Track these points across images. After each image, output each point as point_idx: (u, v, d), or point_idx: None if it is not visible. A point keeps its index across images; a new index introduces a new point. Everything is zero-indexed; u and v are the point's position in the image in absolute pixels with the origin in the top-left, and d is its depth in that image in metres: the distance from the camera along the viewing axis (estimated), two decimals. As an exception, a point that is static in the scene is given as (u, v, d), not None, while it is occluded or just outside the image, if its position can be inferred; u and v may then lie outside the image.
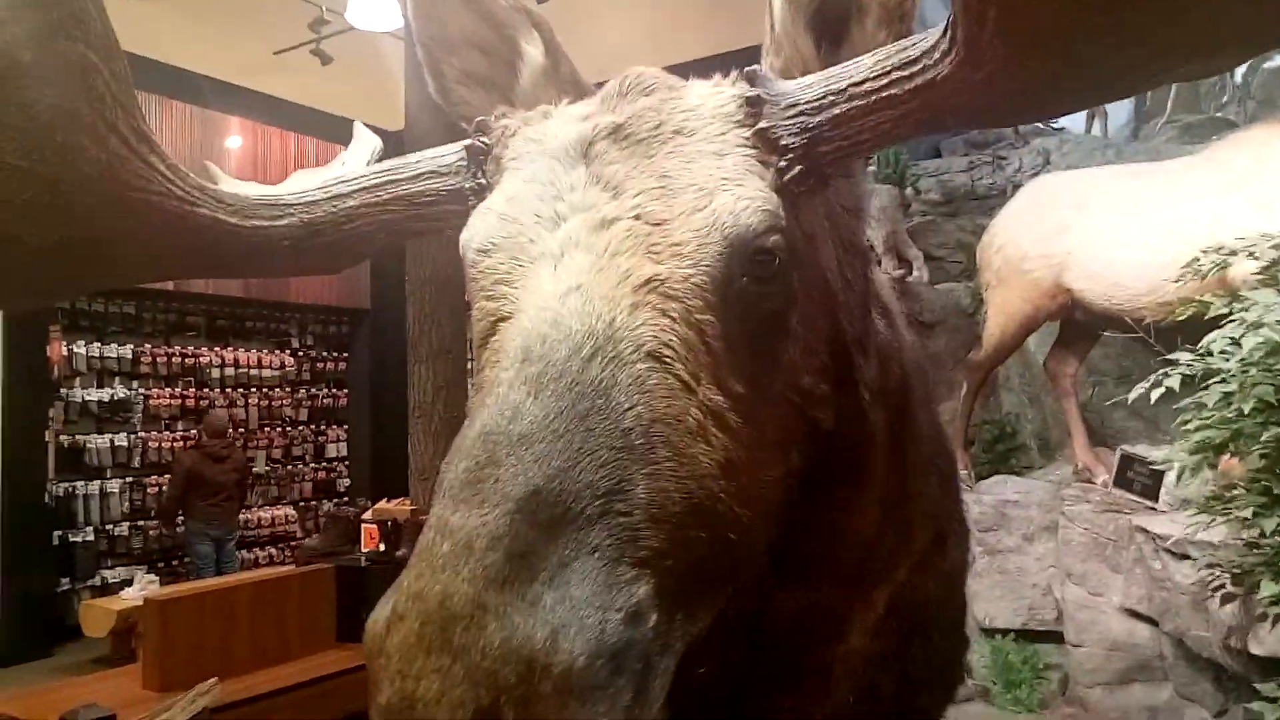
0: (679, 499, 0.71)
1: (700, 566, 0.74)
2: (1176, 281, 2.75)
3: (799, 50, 0.91)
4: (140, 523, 8.88)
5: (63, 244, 0.81)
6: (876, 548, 1.21)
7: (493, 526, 0.62)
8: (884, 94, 0.75)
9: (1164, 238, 3.76)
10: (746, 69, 0.85)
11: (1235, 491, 2.37)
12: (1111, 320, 4.35)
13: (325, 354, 11.00)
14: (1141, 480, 4.20)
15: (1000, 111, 0.80)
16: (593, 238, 0.80)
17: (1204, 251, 2.62)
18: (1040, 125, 9.51)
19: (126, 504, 8.81)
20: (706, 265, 0.78)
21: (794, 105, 0.81)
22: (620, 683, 0.63)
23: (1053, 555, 4.48)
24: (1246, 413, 2.15)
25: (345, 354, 11.12)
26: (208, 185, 0.92)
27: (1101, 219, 4.29)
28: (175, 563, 8.80)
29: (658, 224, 0.79)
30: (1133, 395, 2.41)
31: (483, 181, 0.92)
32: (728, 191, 0.80)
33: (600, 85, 0.94)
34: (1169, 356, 2.42)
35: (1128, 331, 4.16)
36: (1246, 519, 2.31)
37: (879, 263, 5.96)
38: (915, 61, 0.73)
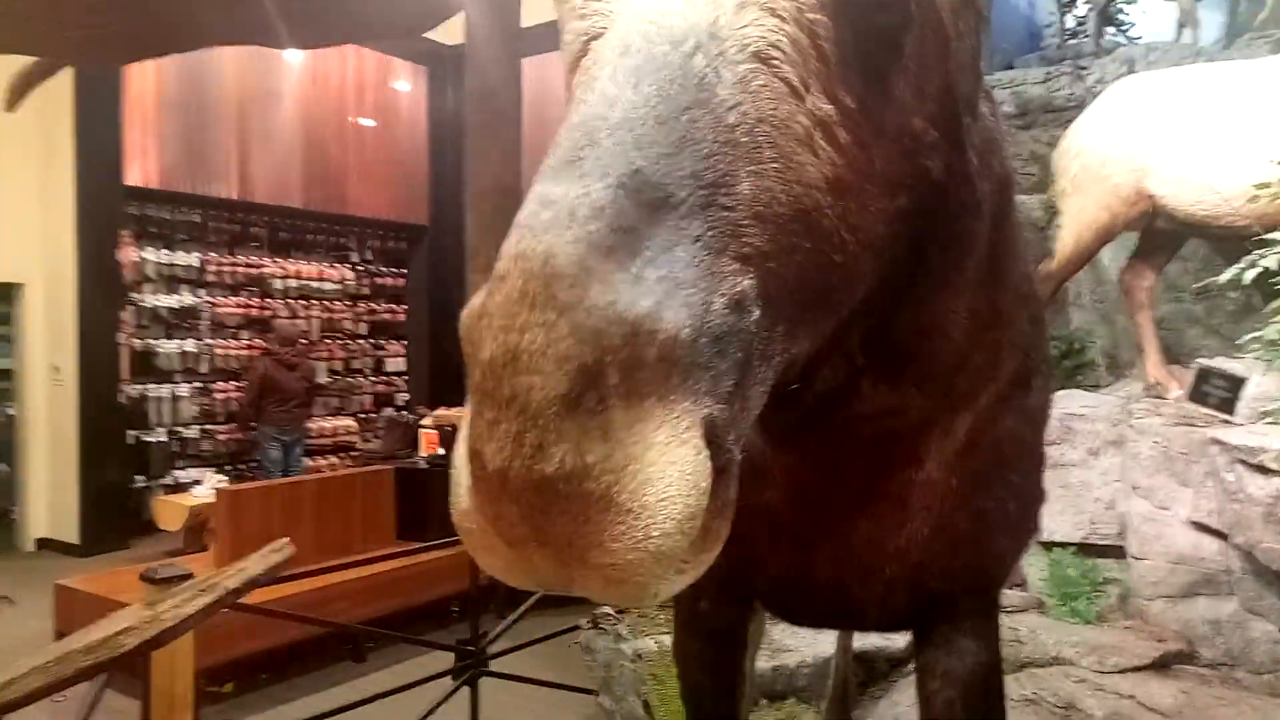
0: (785, 201, 0.69)
1: (803, 279, 0.71)
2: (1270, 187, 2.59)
3: None
4: (209, 426, 9.19)
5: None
6: (964, 361, 1.17)
7: (596, 197, 0.60)
8: None
9: (1262, 138, 3.56)
10: None
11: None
12: (1196, 229, 4.16)
13: (384, 269, 11.13)
14: (1219, 393, 4.05)
15: None
16: None
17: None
18: (1123, 37, 9.08)
19: (196, 408, 9.12)
20: None
21: None
22: (722, 366, 0.61)
23: (1118, 470, 4.38)
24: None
25: (404, 269, 11.24)
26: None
27: (1191, 120, 4.07)
28: (244, 466, 9.13)
29: None
30: (1225, 276, 2.29)
31: None
32: None
33: None
34: (1265, 237, 2.30)
35: (1216, 239, 3.97)
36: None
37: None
38: None
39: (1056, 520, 4.59)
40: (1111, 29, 9.70)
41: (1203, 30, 9.43)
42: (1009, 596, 4.57)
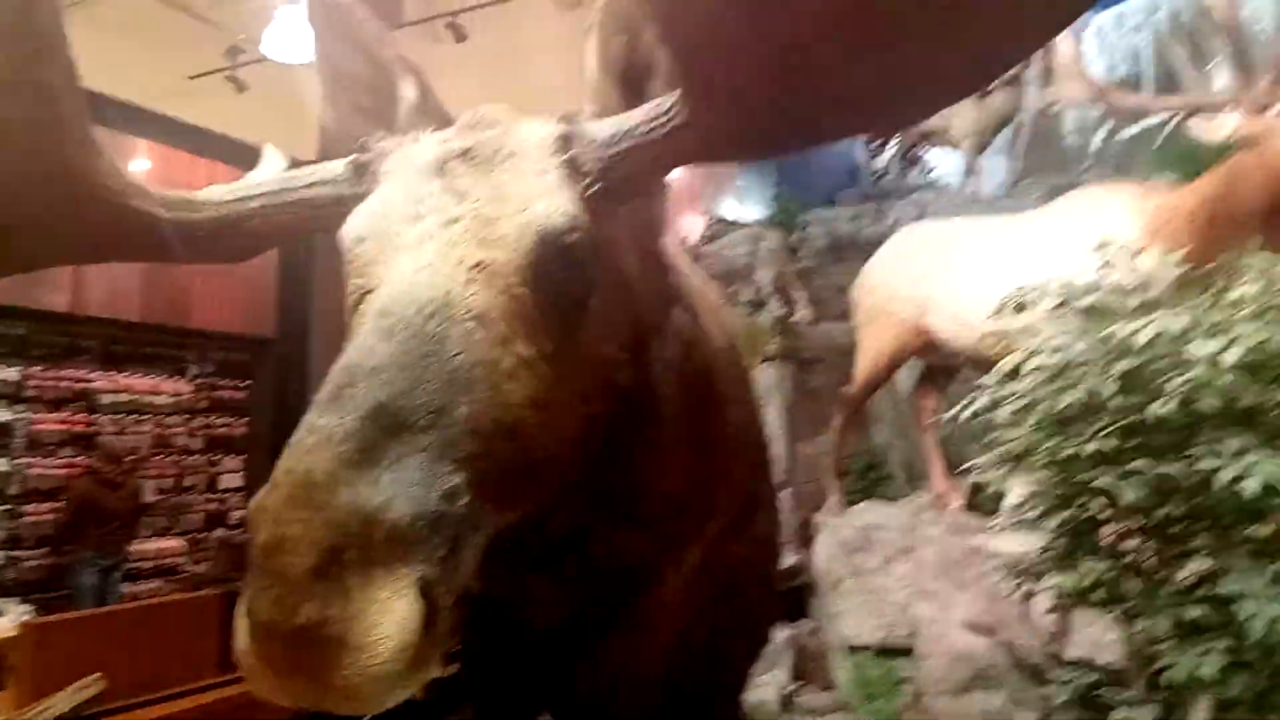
0: (494, 419, 0.98)
1: (508, 472, 1.00)
2: (993, 320, 3.15)
3: (608, 98, 1.21)
4: (16, 552, 8.56)
5: (23, 224, 1.04)
6: (684, 507, 1.48)
7: (347, 426, 0.88)
8: (650, 136, 1.06)
9: (1004, 282, 4.20)
10: (564, 112, 1.14)
11: (1029, 499, 2.76)
12: (965, 358, 4.82)
13: (225, 381, 10.85)
14: (988, 504, 4.63)
15: (730, 150, 1.12)
16: (442, 232, 1.07)
17: (1019, 291, 3.03)
18: (922, 180, 10.27)
19: (3, 532, 8.50)
20: (524, 253, 1.06)
21: (594, 141, 1.11)
22: (436, 541, 0.89)
23: (910, 575, 4.87)
24: (1034, 427, 2.54)
25: (247, 381, 10.99)
26: (140, 183, 1.17)
27: (957, 265, 4.76)
28: (54, 594, 8.50)
29: (490, 221, 1.07)
30: (946, 415, 2.79)
31: (361, 190, 1.19)
32: (543, 201, 1.08)
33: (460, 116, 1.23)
34: (978, 382, 2.82)
35: (980, 369, 4.60)
36: (1038, 522, 2.70)
37: (765, 303, 6.39)
38: (666, 113, 1.03)
39: (860, 624, 5.02)
40: (919, 169, 11.01)
41: (988, 176, 10.84)
42: (820, 699, 4.93)
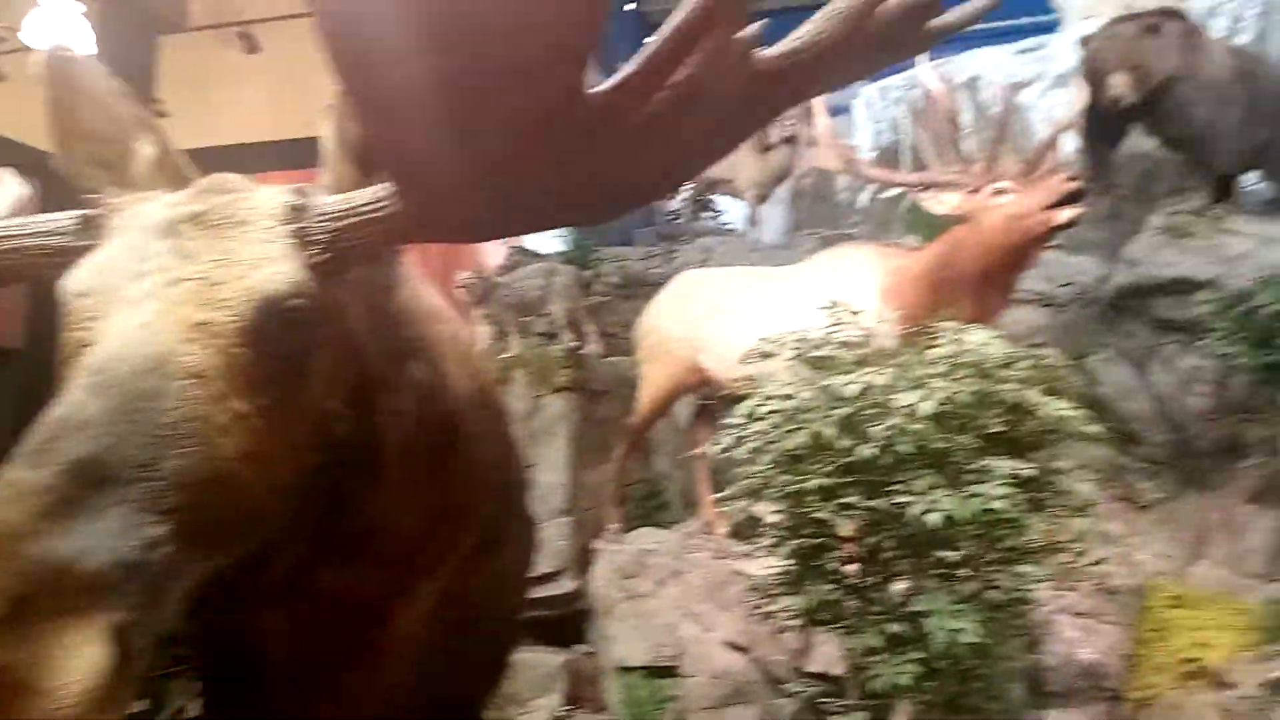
0: (202, 473, 1.04)
1: (217, 520, 1.06)
2: (743, 364, 3.46)
3: (341, 175, 1.30)
4: None
5: None
6: (418, 544, 1.57)
7: (46, 479, 0.92)
8: (373, 214, 1.16)
9: (764, 329, 4.52)
10: (295, 185, 1.23)
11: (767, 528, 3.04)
12: (728, 396, 5.18)
13: (-40, 394, 9.69)
14: (749, 530, 4.99)
15: (447, 234, 1.24)
16: (165, 291, 1.12)
17: (763, 340, 3.35)
18: (711, 225, 10.86)
19: None
20: (246, 316, 1.13)
21: (322, 214, 1.20)
22: (133, 587, 0.94)
23: (678, 598, 5.15)
24: (768, 463, 2.82)
25: (-15, 394, 9.88)
26: None
27: (726, 311, 5.13)
28: None
29: (215, 284, 1.14)
30: (694, 451, 3.06)
31: (88, 243, 1.21)
32: (268, 267, 1.16)
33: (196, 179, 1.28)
34: (724, 421, 3.09)
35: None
36: (774, 549, 2.99)
37: (557, 336, 6.55)
38: (387, 197, 1.14)
39: (632, 646, 5.24)
40: (709, 213, 11.64)
41: (774, 225, 11.61)
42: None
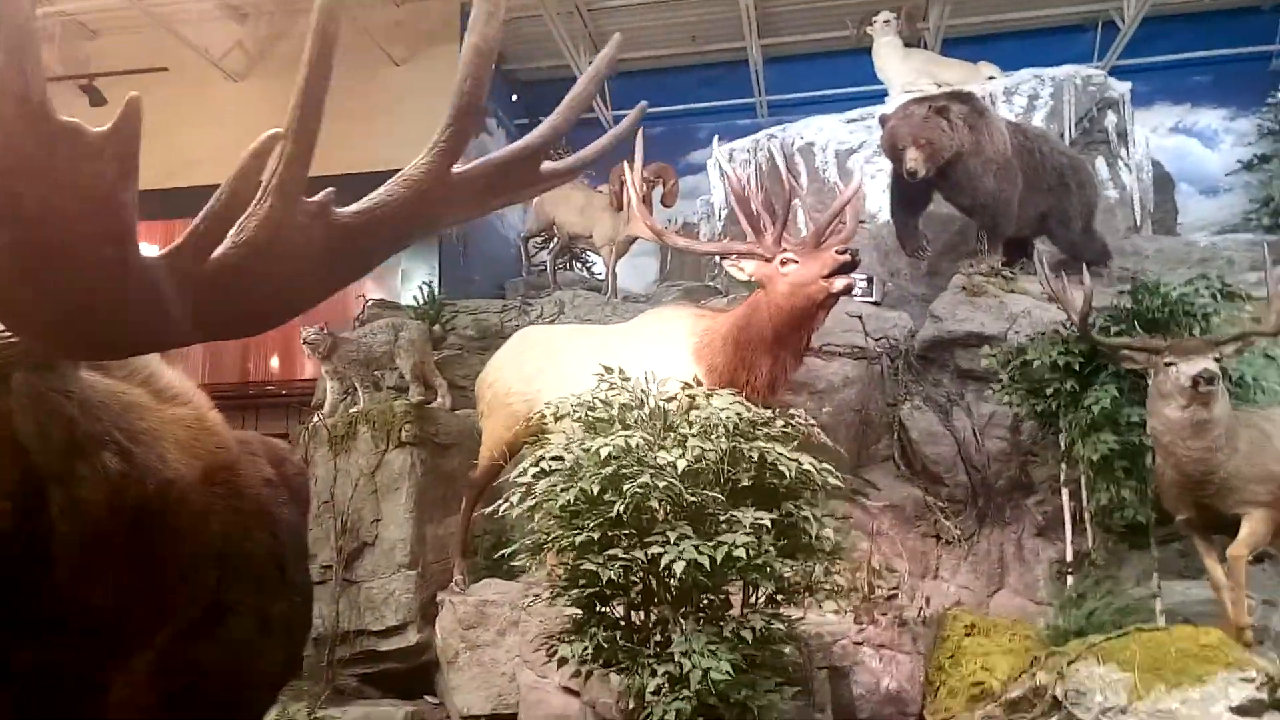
0: None
1: None
2: (544, 420, 3.71)
3: None
4: None
5: None
6: (117, 618, 1.70)
7: None
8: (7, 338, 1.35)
9: (589, 383, 4.83)
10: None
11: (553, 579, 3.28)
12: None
13: None
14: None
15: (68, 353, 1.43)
16: None
17: (553, 402, 3.61)
18: (575, 275, 11.19)
19: None
20: None
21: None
22: None
23: (517, 646, 5.31)
24: (548, 518, 3.07)
25: None
26: None
27: (559, 367, 5.38)
28: None
29: None
30: (489, 510, 3.28)
31: None
32: None
33: None
34: (517, 480, 3.32)
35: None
36: (555, 598, 3.22)
37: (406, 389, 6.68)
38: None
39: (473, 695, 5.38)
40: (578, 264, 11.97)
41: (645, 275, 12.02)
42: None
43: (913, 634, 4.68)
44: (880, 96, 9.18)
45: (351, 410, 6.39)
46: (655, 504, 2.86)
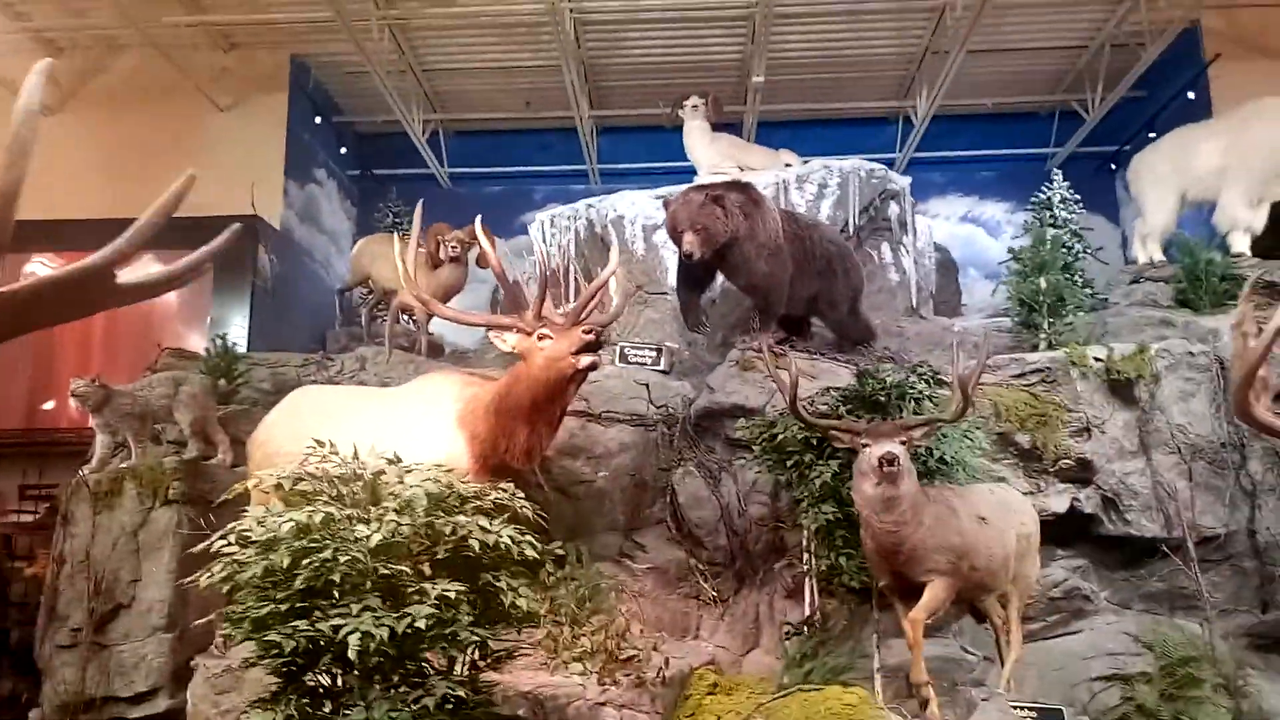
0: None
1: None
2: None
3: None
4: None
5: None
6: None
7: None
8: None
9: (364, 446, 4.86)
10: None
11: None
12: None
13: None
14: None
15: None
16: None
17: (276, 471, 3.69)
18: (402, 328, 11.17)
19: None
20: None
21: None
22: None
23: (269, 711, 5.24)
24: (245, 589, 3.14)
25: None
26: None
27: (333, 428, 5.41)
28: None
29: None
30: (188, 580, 3.34)
31: None
32: None
33: None
34: (217, 549, 3.38)
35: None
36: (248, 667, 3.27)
37: (186, 444, 6.53)
38: None
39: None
40: (406, 317, 11.94)
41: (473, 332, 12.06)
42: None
43: (651, 694, 4.92)
44: (690, 174, 9.75)
45: (121, 466, 6.20)
46: (337, 578, 3.00)
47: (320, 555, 2.99)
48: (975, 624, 5.59)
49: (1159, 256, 8.18)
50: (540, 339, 4.78)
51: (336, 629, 3.01)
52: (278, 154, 10.85)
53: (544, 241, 9.89)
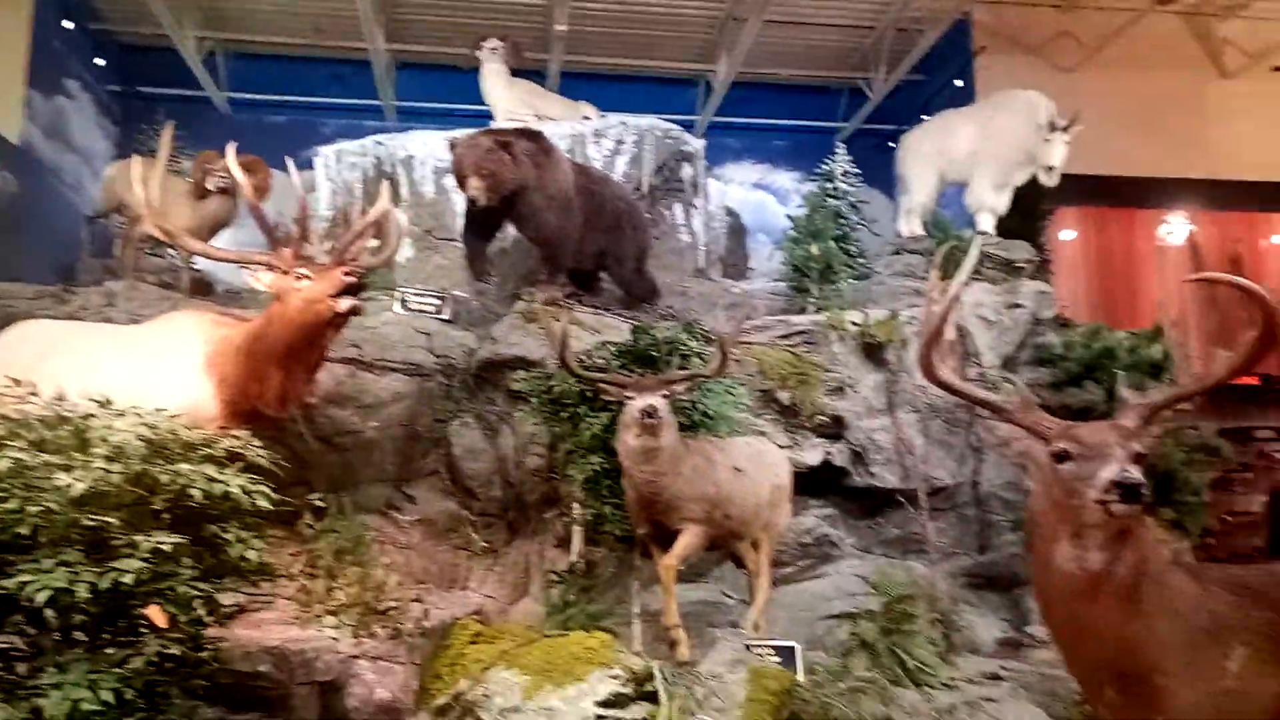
0: None
1: None
2: None
3: None
4: None
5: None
6: None
7: None
8: None
9: (93, 386, 4.35)
10: None
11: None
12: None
13: None
14: None
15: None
16: None
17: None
18: (166, 263, 10.24)
19: None
20: None
21: None
22: None
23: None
24: None
25: None
26: None
27: (57, 364, 4.86)
28: None
29: None
30: None
31: None
32: None
33: None
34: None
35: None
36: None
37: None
38: None
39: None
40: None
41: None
42: None
43: (409, 645, 4.85)
44: (486, 118, 9.50)
45: None
46: (27, 530, 2.71)
47: (4, 506, 2.69)
48: (736, 569, 5.93)
49: (919, 231, 8.84)
50: (298, 279, 4.51)
51: (26, 585, 2.73)
52: (17, 58, 9.57)
53: (329, 178, 9.35)
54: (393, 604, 4.90)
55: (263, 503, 3.23)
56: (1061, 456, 2.31)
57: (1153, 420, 2.41)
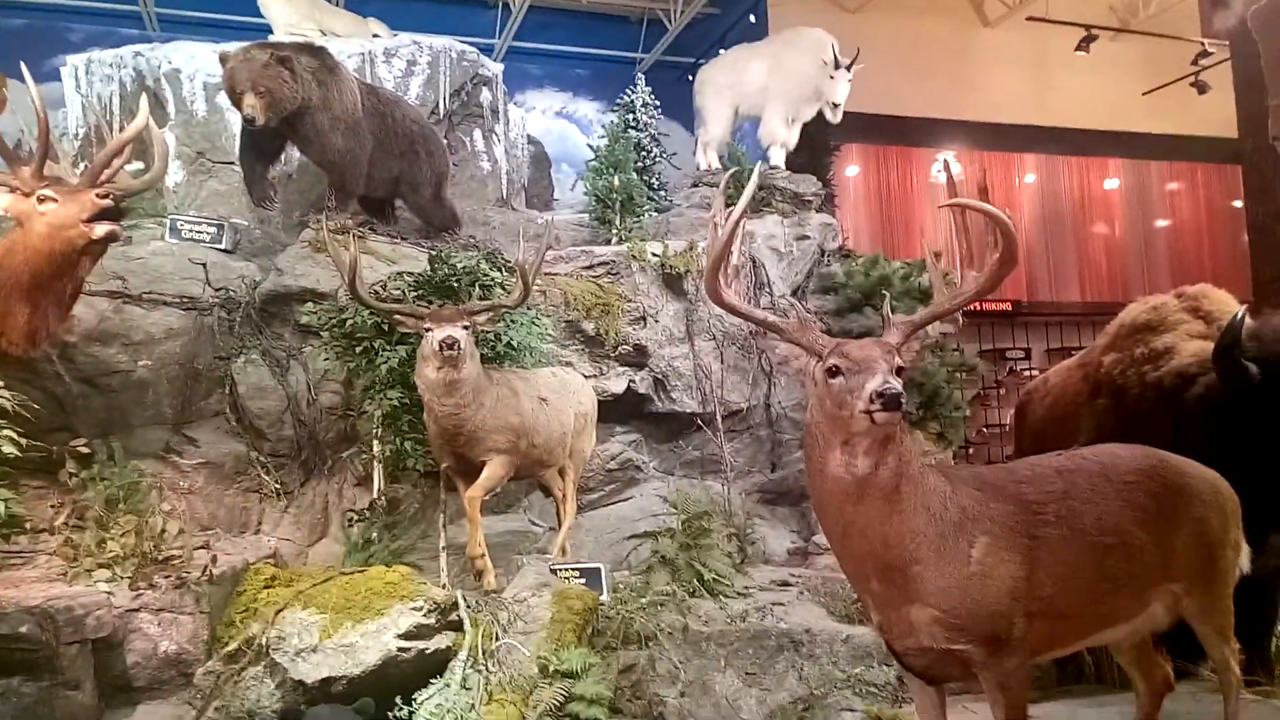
0: None
1: None
2: None
3: None
4: None
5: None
6: None
7: None
8: None
9: None
10: None
11: None
12: None
13: None
14: None
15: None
16: None
17: None
18: None
19: None
20: None
21: None
22: None
23: None
24: None
25: None
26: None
27: None
28: None
29: None
30: None
31: None
32: None
33: None
34: None
35: None
36: None
37: None
38: None
39: None
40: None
41: None
42: None
43: (196, 594, 4.59)
44: (264, 31, 8.74)
45: None
46: None
47: None
48: (544, 498, 6.00)
49: (716, 164, 9.08)
50: (42, 201, 4.02)
51: None
52: None
53: (79, 91, 8.32)
54: (174, 552, 4.60)
55: (9, 448, 2.91)
56: (833, 371, 2.47)
57: (913, 337, 2.63)
